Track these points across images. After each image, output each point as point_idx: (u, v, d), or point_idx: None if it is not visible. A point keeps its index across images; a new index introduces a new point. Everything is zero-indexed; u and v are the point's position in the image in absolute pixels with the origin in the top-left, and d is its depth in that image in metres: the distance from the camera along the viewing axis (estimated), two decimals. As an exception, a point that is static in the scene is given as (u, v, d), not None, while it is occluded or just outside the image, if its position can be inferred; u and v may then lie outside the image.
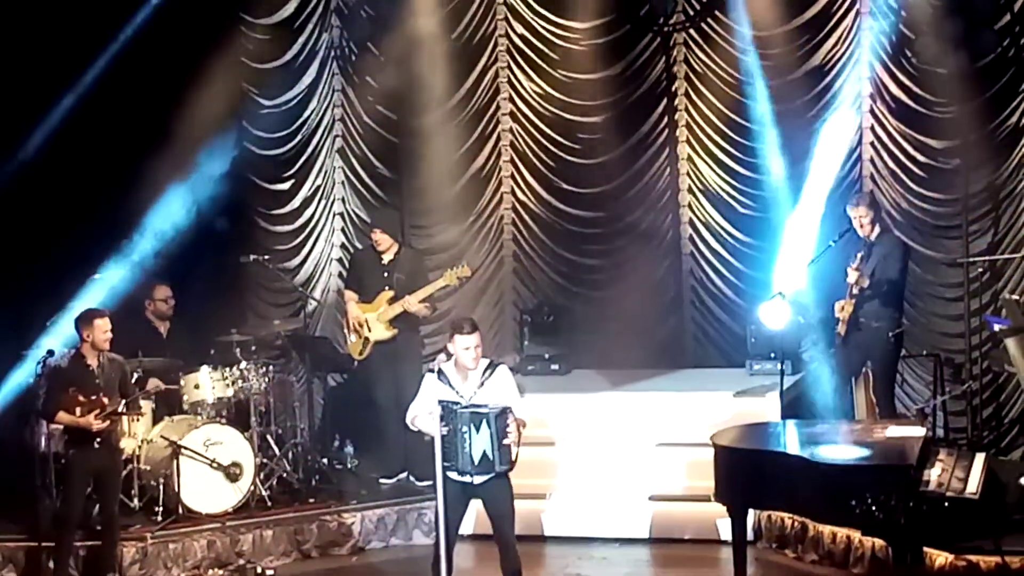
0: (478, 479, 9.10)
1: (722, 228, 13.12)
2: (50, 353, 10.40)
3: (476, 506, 9.41)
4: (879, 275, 11.08)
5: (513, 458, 9.08)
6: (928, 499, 8.39)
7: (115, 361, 10.47)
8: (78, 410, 10.10)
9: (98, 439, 10.21)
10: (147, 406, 11.65)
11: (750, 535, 10.22)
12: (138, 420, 11.08)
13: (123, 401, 10.34)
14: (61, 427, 10.47)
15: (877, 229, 11.26)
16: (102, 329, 10.23)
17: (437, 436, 8.91)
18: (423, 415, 9.17)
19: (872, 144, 12.58)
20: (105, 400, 10.15)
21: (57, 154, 12.70)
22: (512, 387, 9.27)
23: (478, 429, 8.97)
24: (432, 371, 9.29)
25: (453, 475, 9.04)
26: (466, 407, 9.03)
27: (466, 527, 9.55)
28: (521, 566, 9.21)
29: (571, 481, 11.56)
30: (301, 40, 13.57)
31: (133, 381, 11.38)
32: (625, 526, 11.32)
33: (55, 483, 10.80)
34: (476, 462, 9.01)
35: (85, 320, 10.29)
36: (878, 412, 11.38)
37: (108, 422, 10.17)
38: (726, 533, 10.70)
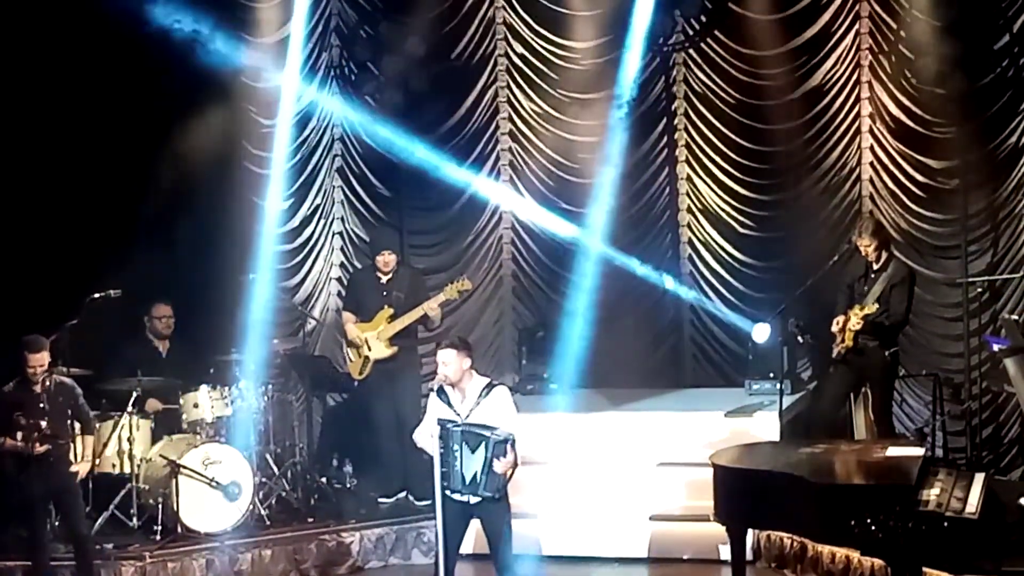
0: (473, 499, 9.11)
1: (721, 248, 13.14)
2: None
3: (475, 525, 9.40)
4: (884, 304, 11.05)
5: (500, 487, 9.09)
6: (927, 519, 8.38)
7: (64, 385, 10.39)
8: (19, 434, 10.07)
9: (44, 463, 10.12)
10: (146, 425, 11.66)
11: (749, 555, 10.21)
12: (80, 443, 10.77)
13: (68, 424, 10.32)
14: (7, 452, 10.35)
15: (884, 255, 11.26)
16: (27, 363, 10.13)
17: (436, 455, 8.93)
18: (423, 434, 9.21)
19: (871, 164, 12.60)
20: (43, 424, 10.10)
21: (56, 169, 12.71)
22: (509, 408, 9.27)
23: (473, 450, 8.99)
24: (432, 389, 9.32)
25: (450, 494, 9.06)
26: (459, 426, 9.05)
27: (464, 546, 9.54)
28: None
29: (570, 501, 11.54)
30: (301, 59, 13.57)
31: (132, 400, 11.44)
32: (625, 546, 11.30)
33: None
34: (466, 482, 9.04)
35: (20, 349, 10.19)
36: (877, 432, 11.38)
37: (47, 446, 10.10)
38: (726, 553, 10.66)
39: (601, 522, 11.39)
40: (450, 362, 9.19)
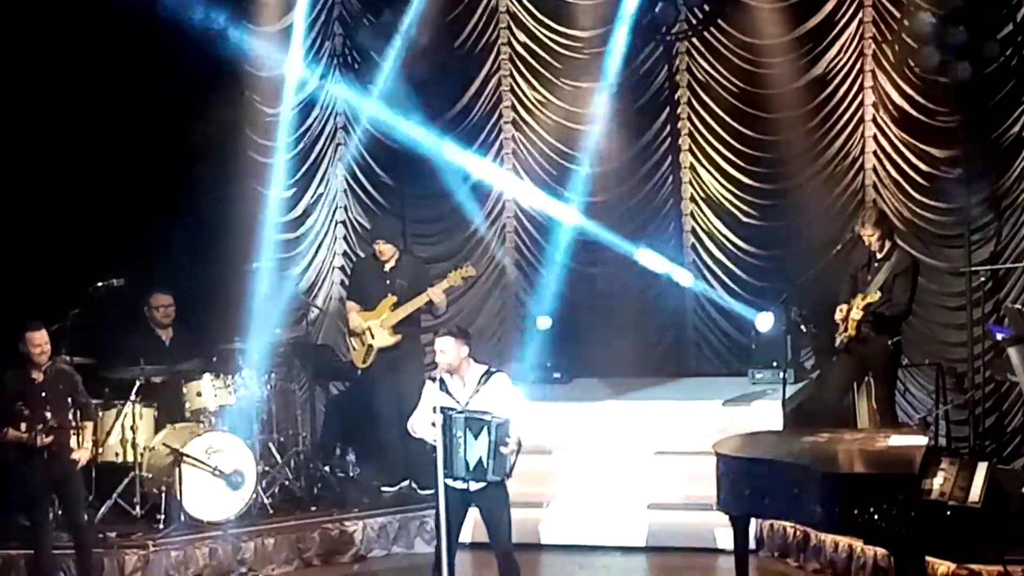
0: (474, 486, 9.11)
1: (724, 236, 13.13)
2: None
3: (473, 514, 9.41)
4: (887, 293, 11.05)
5: (508, 469, 9.10)
6: (930, 508, 8.37)
7: (63, 372, 10.36)
8: (23, 425, 10.03)
9: (47, 452, 10.10)
10: (149, 414, 11.67)
11: (752, 544, 10.22)
12: (80, 430, 10.54)
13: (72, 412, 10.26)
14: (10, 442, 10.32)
15: (888, 244, 11.26)
16: (32, 343, 10.06)
17: (439, 443, 8.93)
18: (421, 422, 9.21)
19: (875, 153, 12.59)
20: (48, 415, 10.08)
21: (60, 159, 12.71)
22: (510, 392, 9.25)
23: (476, 435, 9.00)
24: (432, 379, 9.32)
25: (449, 482, 9.06)
26: (461, 412, 9.06)
27: (464, 535, 9.55)
28: (520, 574, 9.25)
29: (570, 490, 11.56)
30: (304, 48, 13.54)
31: (135, 388, 11.44)
32: (623, 535, 11.31)
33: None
34: (471, 468, 9.03)
35: (20, 333, 10.14)
36: (880, 421, 11.38)
37: (52, 436, 10.09)
38: (724, 542, 10.70)
39: (601, 510, 11.39)
40: (448, 349, 9.20)
